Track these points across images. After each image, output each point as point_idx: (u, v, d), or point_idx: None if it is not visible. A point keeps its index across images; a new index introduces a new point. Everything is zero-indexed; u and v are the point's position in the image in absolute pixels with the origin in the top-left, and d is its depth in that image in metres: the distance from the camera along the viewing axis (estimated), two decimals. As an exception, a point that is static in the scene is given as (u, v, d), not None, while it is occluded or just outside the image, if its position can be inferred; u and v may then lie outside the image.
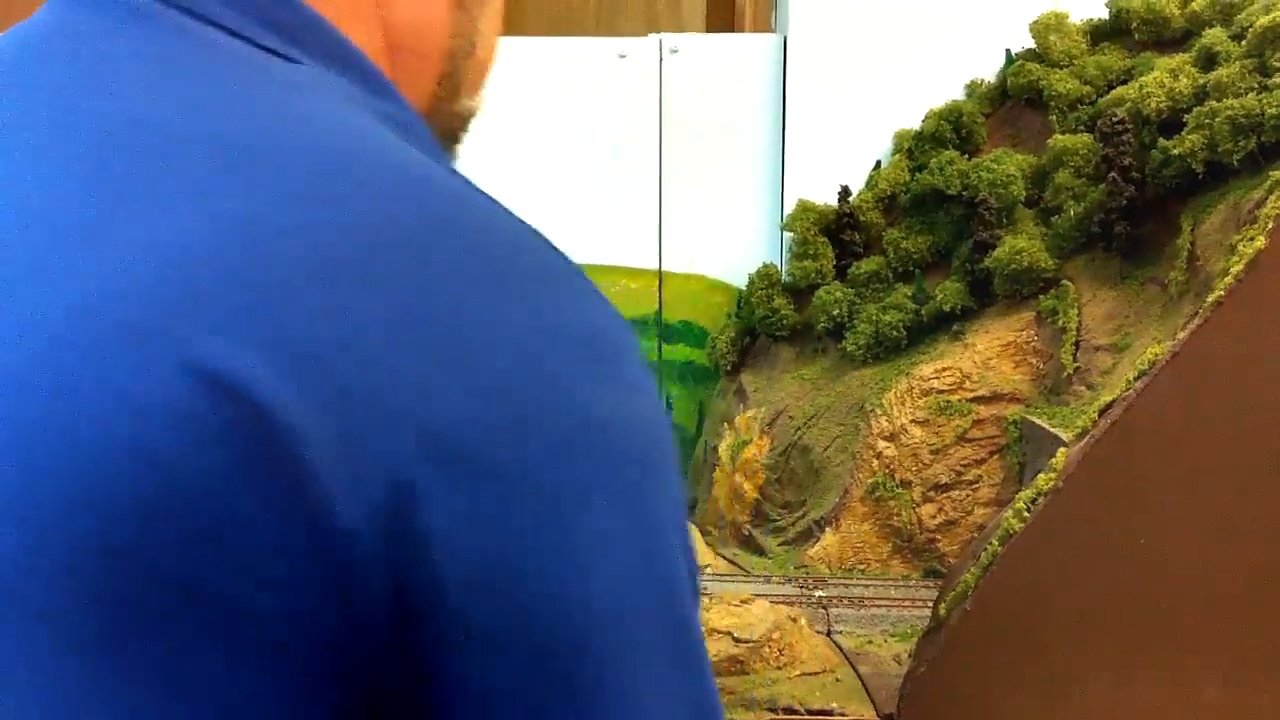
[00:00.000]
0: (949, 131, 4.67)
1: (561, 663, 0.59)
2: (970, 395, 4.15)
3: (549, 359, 0.61)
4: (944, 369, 4.23)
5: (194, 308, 0.57)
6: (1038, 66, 4.61)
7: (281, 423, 0.56)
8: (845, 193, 4.78)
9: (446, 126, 0.91)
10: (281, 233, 0.59)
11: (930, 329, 4.41)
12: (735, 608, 3.49)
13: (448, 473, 0.57)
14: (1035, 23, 4.71)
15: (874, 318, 4.46)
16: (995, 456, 4.09)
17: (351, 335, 0.58)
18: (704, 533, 4.60)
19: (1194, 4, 4.30)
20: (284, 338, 0.57)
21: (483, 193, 0.71)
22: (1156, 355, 2.92)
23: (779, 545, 4.47)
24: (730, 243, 5.10)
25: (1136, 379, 2.92)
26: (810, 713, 3.21)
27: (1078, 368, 3.89)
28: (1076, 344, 3.94)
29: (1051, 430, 3.61)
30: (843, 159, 4.86)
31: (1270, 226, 2.91)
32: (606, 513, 0.61)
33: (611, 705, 0.60)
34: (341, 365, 0.57)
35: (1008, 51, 4.80)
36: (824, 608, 3.87)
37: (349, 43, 0.74)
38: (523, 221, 0.69)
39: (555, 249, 0.69)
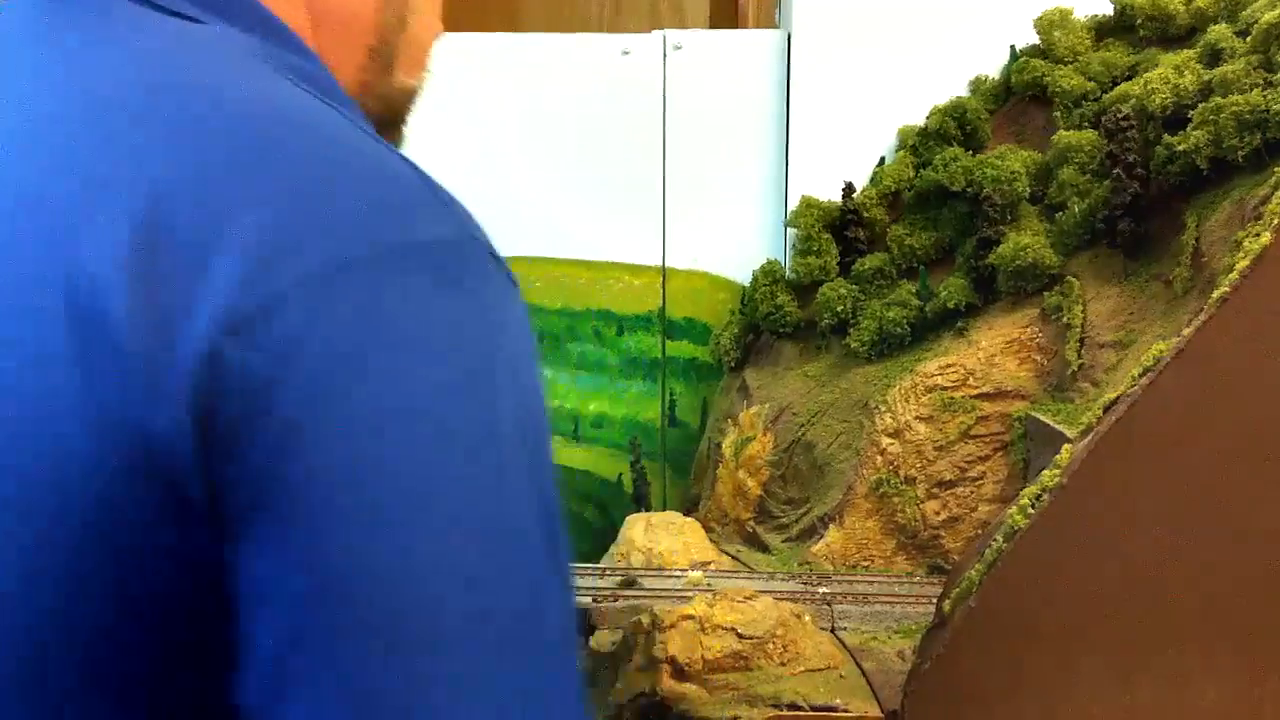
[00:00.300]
0: (953, 128, 4.66)
1: (343, 583, 0.59)
2: (974, 392, 4.15)
3: (377, 262, 0.62)
4: (948, 365, 4.22)
5: (83, 215, 0.62)
6: (1042, 63, 4.60)
7: (108, 311, 0.60)
8: (849, 189, 4.77)
9: (385, 105, 0.93)
10: (160, 165, 0.64)
11: (934, 326, 4.41)
12: (739, 604, 3.50)
13: (256, 363, 0.60)
14: (1039, 19, 4.70)
15: (878, 314, 4.45)
16: (1000, 453, 4.08)
17: (199, 232, 0.61)
18: (708, 529, 4.60)
19: (1199, 0, 4.29)
20: (143, 230, 0.61)
21: (369, 134, 0.74)
22: (1161, 352, 2.92)
23: (782, 542, 4.47)
24: (734, 239, 5.10)
25: (1141, 376, 2.92)
26: (814, 709, 3.21)
27: (1082, 364, 3.89)
28: (1081, 341, 3.93)
29: (1056, 427, 3.60)
30: (846, 155, 4.86)
31: (1276, 223, 2.90)
32: (414, 423, 0.61)
33: (388, 647, 0.59)
34: (178, 256, 0.61)
35: (1012, 48, 4.79)
36: (828, 604, 3.87)
37: (253, 1, 0.78)
38: (400, 158, 0.73)
39: (424, 178, 0.72)
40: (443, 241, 0.68)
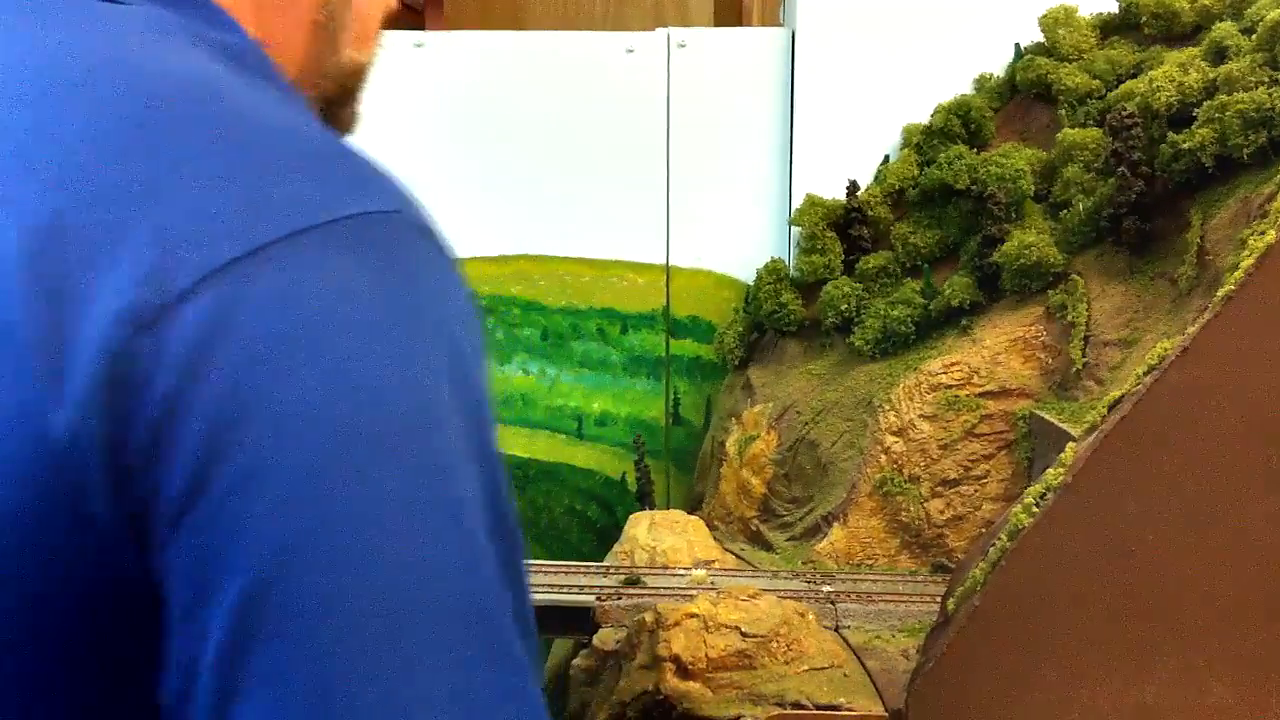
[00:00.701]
0: (957, 126, 4.65)
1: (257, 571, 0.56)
2: (979, 390, 4.14)
3: (290, 244, 0.60)
4: (952, 364, 4.22)
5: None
6: (1047, 60, 4.60)
7: (7, 308, 0.57)
8: (853, 187, 4.77)
9: (336, 82, 0.89)
10: (67, 152, 0.61)
11: (938, 324, 4.40)
12: (743, 603, 3.49)
13: (170, 362, 0.57)
14: (1044, 17, 4.70)
15: (882, 313, 4.45)
16: (1004, 452, 4.08)
17: (99, 220, 0.59)
18: (711, 528, 4.60)
19: (1204, -3, 4.28)
20: (45, 223, 0.59)
21: (292, 108, 0.70)
22: (1166, 350, 2.91)
23: (786, 541, 4.47)
24: (738, 237, 5.10)
25: (1146, 374, 2.91)
26: (818, 708, 3.21)
27: (1087, 363, 3.88)
28: (1085, 339, 3.93)
29: (1060, 425, 3.60)
30: (851, 153, 4.86)
31: (1281, 221, 2.89)
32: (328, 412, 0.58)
33: (309, 645, 0.56)
34: (81, 249, 0.58)
35: (1016, 45, 4.78)
36: (832, 603, 3.86)
37: None
38: (322, 131, 0.69)
39: (341, 151, 0.68)
40: (367, 216, 0.63)
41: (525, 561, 0.68)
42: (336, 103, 0.89)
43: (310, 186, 0.63)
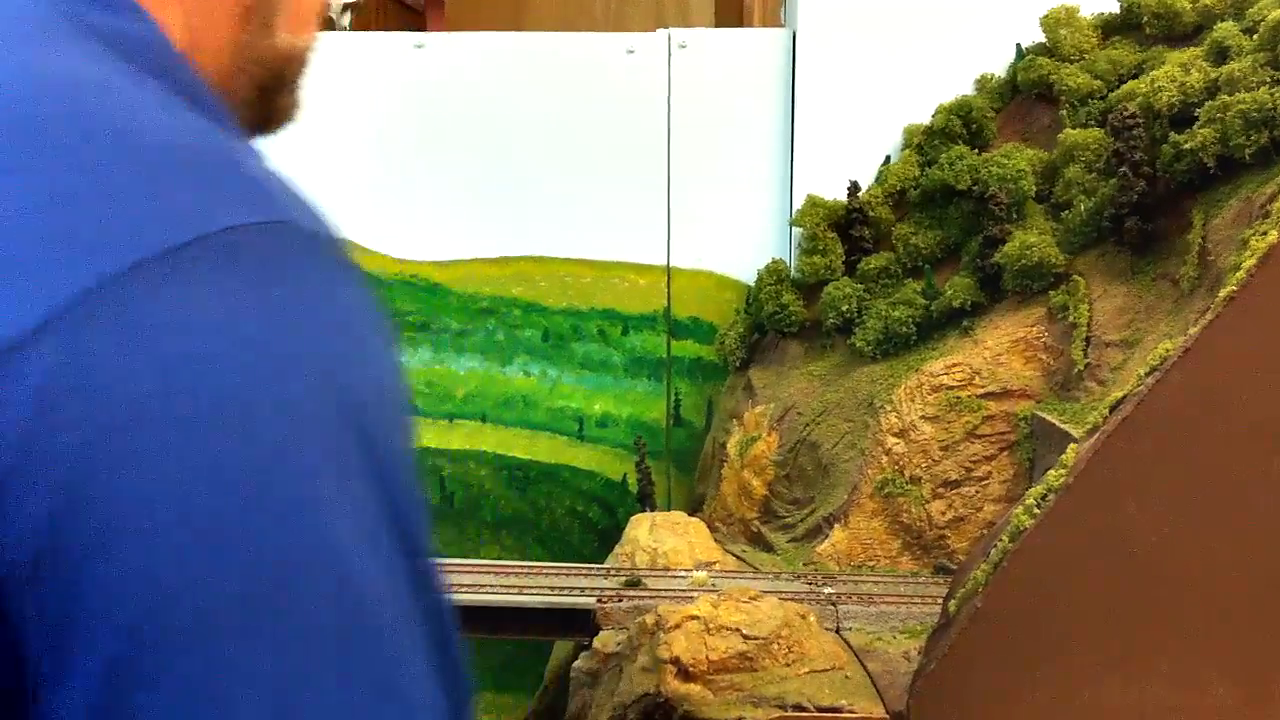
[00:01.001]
0: (959, 126, 4.65)
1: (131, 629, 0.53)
2: (980, 391, 4.14)
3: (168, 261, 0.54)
4: (954, 365, 4.22)
5: None
6: (1048, 61, 4.60)
7: None
8: (855, 188, 4.77)
9: (268, 68, 0.82)
10: None
11: (940, 325, 4.40)
12: (744, 604, 3.49)
13: (15, 411, 0.52)
14: (1046, 17, 4.70)
15: (883, 313, 4.45)
16: (1005, 453, 4.07)
17: None
18: (712, 529, 4.60)
19: (1205, -2, 4.28)
20: None
21: (172, 106, 0.64)
22: (1168, 351, 2.91)
23: (788, 542, 4.46)
24: (739, 238, 5.10)
25: (1148, 375, 2.91)
26: (820, 710, 3.20)
27: (1088, 363, 3.88)
28: (1087, 340, 3.92)
29: (1062, 426, 3.59)
30: (852, 154, 4.86)
31: (1283, 221, 2.89)
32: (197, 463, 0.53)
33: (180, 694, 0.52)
34: None
35: (1018, 46, 4.78)
36: (833, 604, 3.86)
37: None
38: (198, 134, 0.63)
39: (229, 157, 0.62)
40: (245, 229, 0.57)
41: (439, 566, 0.63)
42: (273, 90, 0.83)
43: (179, 200, 0.58)
